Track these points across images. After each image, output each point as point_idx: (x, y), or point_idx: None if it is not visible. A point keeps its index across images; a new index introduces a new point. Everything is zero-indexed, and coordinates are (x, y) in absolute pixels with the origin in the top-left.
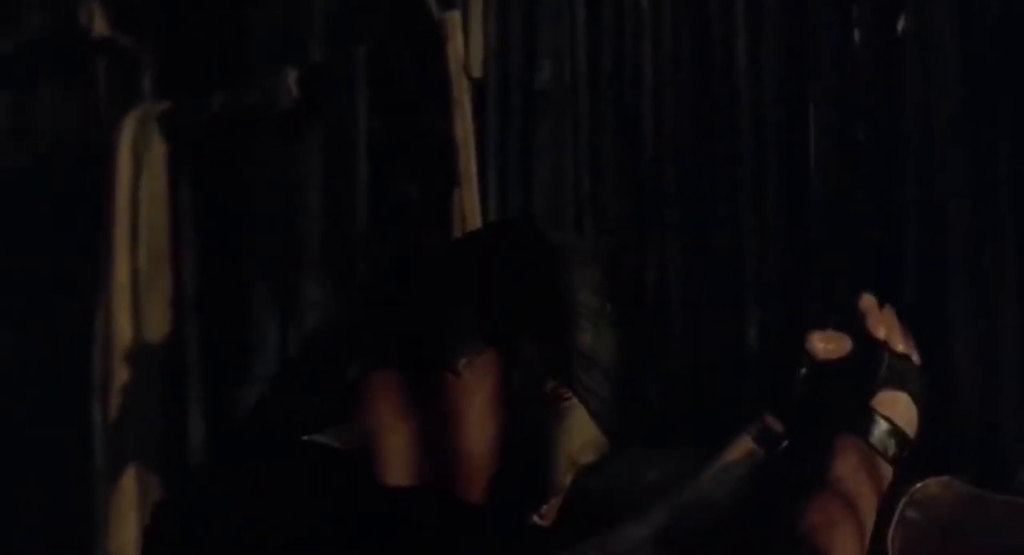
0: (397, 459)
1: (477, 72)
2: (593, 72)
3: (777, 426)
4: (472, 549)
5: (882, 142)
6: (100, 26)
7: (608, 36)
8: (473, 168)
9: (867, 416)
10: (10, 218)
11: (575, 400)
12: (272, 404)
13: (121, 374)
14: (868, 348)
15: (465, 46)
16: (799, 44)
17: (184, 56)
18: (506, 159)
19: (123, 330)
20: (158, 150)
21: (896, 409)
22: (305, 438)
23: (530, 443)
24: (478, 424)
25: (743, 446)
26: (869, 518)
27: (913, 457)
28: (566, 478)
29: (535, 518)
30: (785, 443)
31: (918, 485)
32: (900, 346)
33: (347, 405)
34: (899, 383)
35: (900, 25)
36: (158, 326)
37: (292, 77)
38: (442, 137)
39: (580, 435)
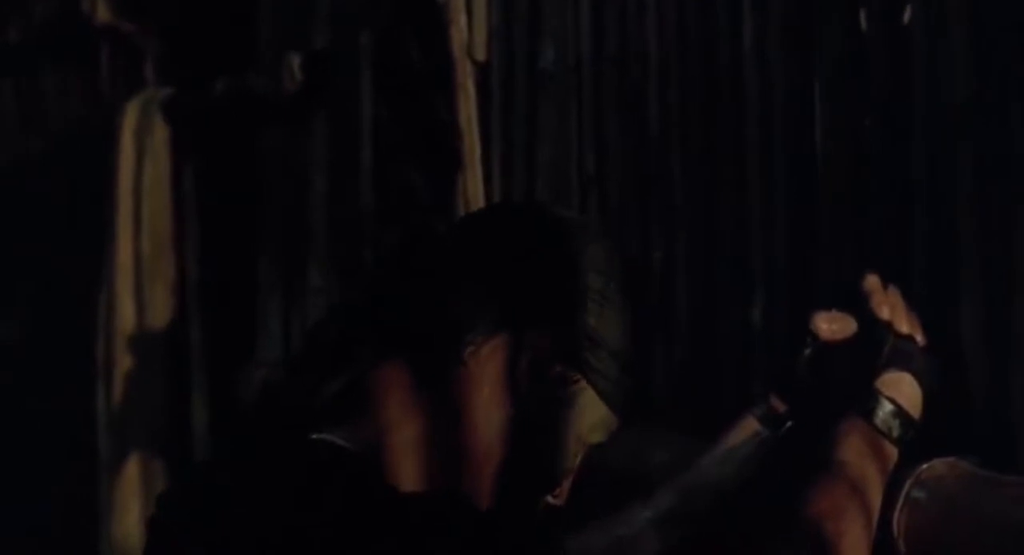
0: (407, 455)
1: (481, 55)
2: (597, 53)
3: (782, 407)
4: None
5: (889, 123)
6: (103, 13)
7: (612, 16)
8: (477, 151)
9: (871, 397)
10: (14, 204)
11: (583, 382)
12: (280, 395)
13: (124, 360)
14: (872, 329)
15: (469, 29)
16: (805, 25)
17: (187, 42)
18: (510, 142)
19: (126, 316)
20: (160, 135)
21: (900, 390)
22: (316, 436)
23: (540, 429)
24: (487, 414)
25: (748, 426)
26: (876, 502)
27: (919, 438)
28: (576, 459)
29: (548, 499)
30: (789, 423)
31: (925, 466)
32: (904, 327)
33: (355, 400)
34: (903, 364)
35: (907, 16)
36: (161, 312)
37: (296, 62)
38: (446, 120)
39: (589, 416)
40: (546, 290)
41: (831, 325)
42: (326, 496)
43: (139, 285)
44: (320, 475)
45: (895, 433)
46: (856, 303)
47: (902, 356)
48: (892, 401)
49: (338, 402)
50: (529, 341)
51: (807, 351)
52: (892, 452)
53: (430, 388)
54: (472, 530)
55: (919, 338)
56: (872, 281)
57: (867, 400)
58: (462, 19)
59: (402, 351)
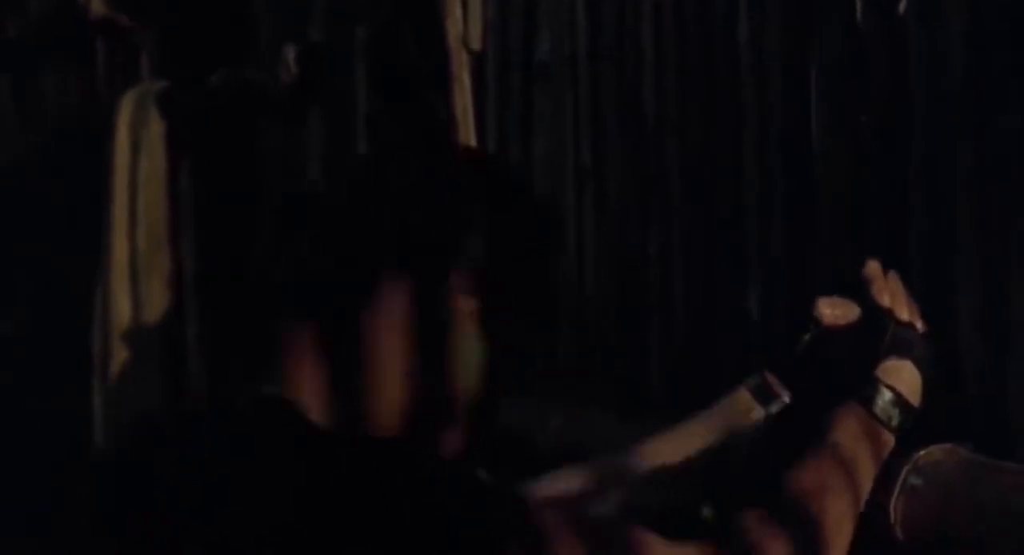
0: (323, 405)
1: (476, 45)
2: (593, 44)
3: (775, 383)
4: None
5: (886, 113)
6: (98, 7)
7: (608, 7)
8: (472, 143)
9: (871, 385)
10: (12, 202)
11: (485, 311)
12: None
13: (120, 355)
14: (872, 316)
15: (464, 19)
16: (803, 21)
17: (183, 36)
18: (505, 134)
19: (122, 311)
20: (156, 129)
21: (900, 377)
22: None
23: (446, 363)
24: (396, 353)
25: (740, 398)
26: (865, 484)
27: (917, 424)
28: (484, 386)
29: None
30: (780, 399)
31: (922, 452)
32: (905, 314)
33: (273, 364)
34: (903, 351)
35: (902, 7)
36: (157, 307)
37: (291, 55)
38: (441, 112)
39: (484, 344)
40: (445, 225)
41: (834, 311)
42: (257, 449)
43: (135, 280)
44: (255, 427)
45: (894, 422)
46: (857, 290)
47: (902, 344)
48: (892, 389)
49: (255, 369)
50: (430, 278)
51: (807, 335)
52: (888, 439)
53: (337, 337)
54: (405, 476)
55: (919, 325)
56: (873, 267)
57: (867, 388)
58: (457, 11)
59: (307, 308)
